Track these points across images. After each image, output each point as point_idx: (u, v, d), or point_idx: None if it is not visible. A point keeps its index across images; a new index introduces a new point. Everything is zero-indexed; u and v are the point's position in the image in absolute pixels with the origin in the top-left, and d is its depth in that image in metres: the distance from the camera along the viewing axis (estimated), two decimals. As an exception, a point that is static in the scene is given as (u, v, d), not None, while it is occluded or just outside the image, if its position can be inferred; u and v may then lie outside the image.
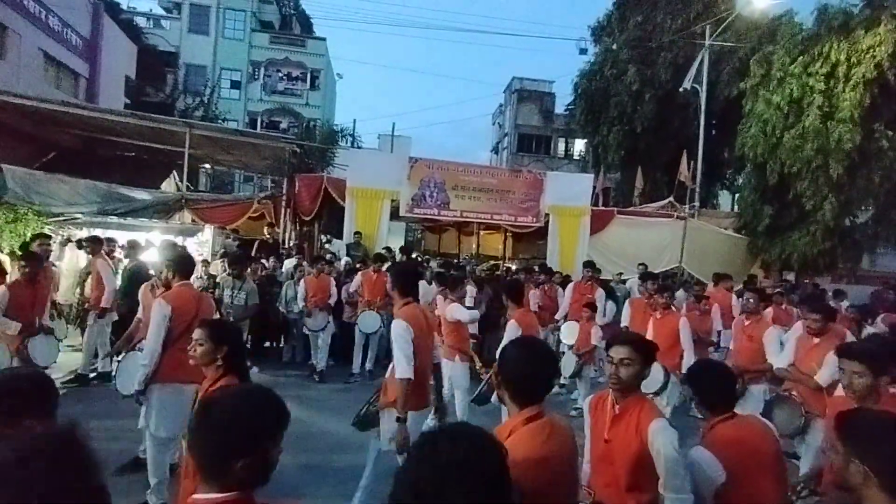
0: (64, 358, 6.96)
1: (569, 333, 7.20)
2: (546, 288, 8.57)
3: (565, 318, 7.84)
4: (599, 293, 7.72)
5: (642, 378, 2.32)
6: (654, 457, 2.12)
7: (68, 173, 10.51)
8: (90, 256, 7.12)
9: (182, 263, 4.08)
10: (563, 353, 7.17)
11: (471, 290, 8.09)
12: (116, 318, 6.83)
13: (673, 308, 6.03)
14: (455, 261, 14.00)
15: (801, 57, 12.27)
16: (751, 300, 5.07)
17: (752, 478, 2.17)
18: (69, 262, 8.41)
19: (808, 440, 4.02)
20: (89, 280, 6.94)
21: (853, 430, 1.62)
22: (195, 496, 1.22)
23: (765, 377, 4.82)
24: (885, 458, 1.50)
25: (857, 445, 1.57)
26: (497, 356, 1.85)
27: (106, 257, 7.01)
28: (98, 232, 9.21)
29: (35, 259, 5.12)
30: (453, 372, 5.22)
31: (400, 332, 3.37)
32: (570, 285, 8.28)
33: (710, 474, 2.17)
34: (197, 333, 2.71)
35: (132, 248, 7.67)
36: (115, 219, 9.73)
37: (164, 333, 3.67)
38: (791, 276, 12.45)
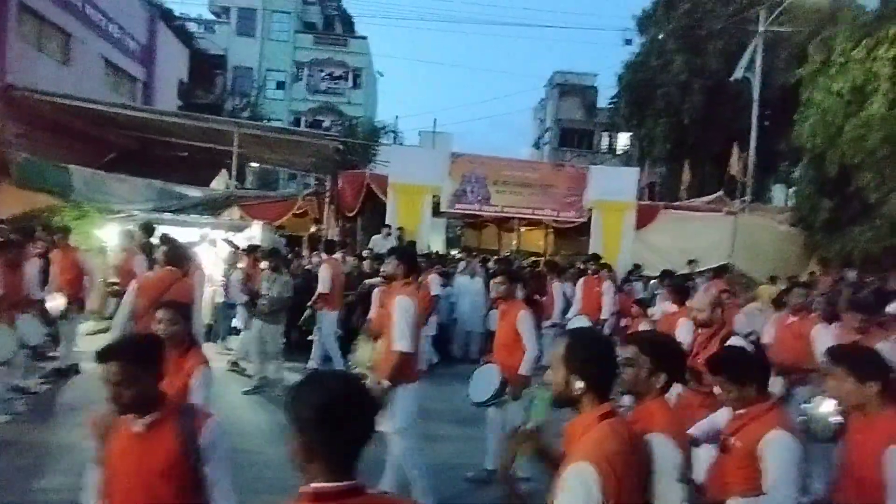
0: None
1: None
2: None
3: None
4: (606, 285, 7.49)
5: (656, 383, 1.96)
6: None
7: (126, 173, 11.09)
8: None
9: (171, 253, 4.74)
10: None
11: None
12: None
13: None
14: (495, 257, 13.89)
15: (864, 41, 11.53)
16: (799, 296, 4.85)
17: None
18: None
19: None
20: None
21: None
22: (315, 484, 1.22)
23: (810, 378, 4.53)
24: None
25: None
26: (565, 349, 1.71)
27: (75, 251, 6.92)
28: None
29: (11, 246, 5.27)
30: None
31: (404, 306, 3.68)
32: (580, 280, 8.06)
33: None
34: (167, 314, 2.62)
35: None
36: (169, 215, 10.19)
37: (128, 310, 4.27)
38: (852, 274, 11.77)
